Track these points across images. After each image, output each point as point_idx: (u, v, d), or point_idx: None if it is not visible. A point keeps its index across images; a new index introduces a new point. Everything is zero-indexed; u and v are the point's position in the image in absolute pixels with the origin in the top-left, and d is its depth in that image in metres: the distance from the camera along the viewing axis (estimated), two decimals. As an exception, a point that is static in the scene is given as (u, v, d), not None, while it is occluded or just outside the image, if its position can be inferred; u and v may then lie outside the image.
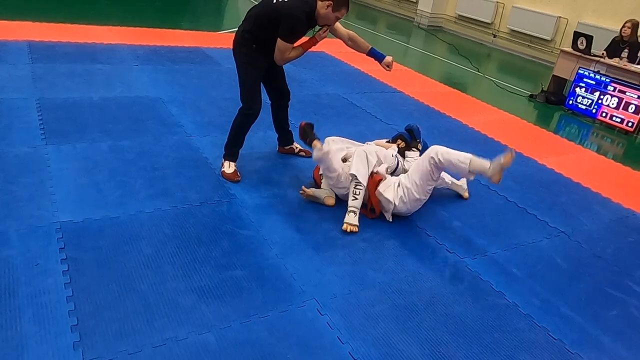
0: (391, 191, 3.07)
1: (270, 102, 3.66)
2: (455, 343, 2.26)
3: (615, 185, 4.32)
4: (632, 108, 5.98)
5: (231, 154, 3.40)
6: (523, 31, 10.04)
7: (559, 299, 2.68)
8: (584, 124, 6.30)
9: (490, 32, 10.90)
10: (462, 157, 2.93)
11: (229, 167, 3.38)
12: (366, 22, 11.42)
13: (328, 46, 7.94)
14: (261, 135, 3.95)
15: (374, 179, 3.08)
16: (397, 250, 2.89)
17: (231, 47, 3.30)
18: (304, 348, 2.09)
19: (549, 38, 9.59)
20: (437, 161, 2.92)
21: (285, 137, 3.85)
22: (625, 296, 2.80)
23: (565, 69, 6.87)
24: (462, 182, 3.61)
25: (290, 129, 3.83)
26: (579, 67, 6.57)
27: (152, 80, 4.99)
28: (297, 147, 3.87)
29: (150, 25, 7.12)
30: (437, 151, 2.95)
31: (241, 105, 3.30)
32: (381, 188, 3.08)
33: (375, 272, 2.65)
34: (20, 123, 3.64)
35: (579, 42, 6.67)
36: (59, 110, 3.95)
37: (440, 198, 3.51)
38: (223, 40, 7.19)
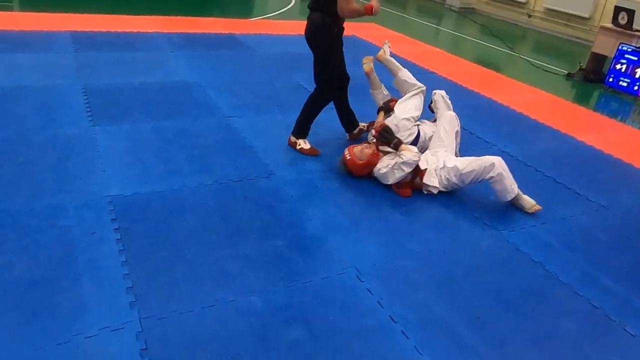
0: (435, 178, 3.14)
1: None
2: (495, 310, 2.28)
3: (659, 162, 4.20)
4: (677, 84, 5.76)
5: (304, 132, 3.59)
6: (560, 9, 9.73)
7: (599, 270, 2.65)
8: (624, 102, 6.10)
9: (525, 12, 10.61)
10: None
11: (305, 144, 3.57)
12: (396, 6, 11.29)
13: (358, 30, 7.95)
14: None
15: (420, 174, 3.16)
16: (434, 223, 2.91)
17: (303, 33, 3.36)
18: (345, 311, 2.16)
19: (587, 15, 9.28)
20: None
21: (351, 120, 3.88)
22: (669, 268, 2.75)
23: (605, 46, 6.65)
24: None
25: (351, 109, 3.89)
26: (620, 43, 6.35)
27: (188, 66, 5.12)
28: (365, 125, 3.94)
29: (184, 14, 7.28)
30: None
31: (321, 87, 3.46)
32: (426, 179, 3.14)
33: (413, 244, 2.69)
34: (69, 107, 3.82)
35: (619, 17, 6.44)
36: (103, 95, 4.12)
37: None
38: (254, 26, 7.29)
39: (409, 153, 3.08)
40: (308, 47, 3.41)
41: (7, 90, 3.96)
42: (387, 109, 3.64)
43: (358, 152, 3.20)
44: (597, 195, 3.46)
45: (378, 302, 2.23)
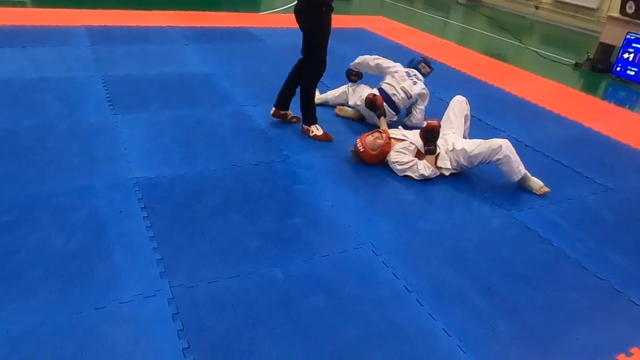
0: (448, 161, 3.25)
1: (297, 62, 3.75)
2: (505, 282, 2.39)
3: (665, 146, 4.27)
4: (684, 72, 5.81)
5: (313, 117, 3.70)
6: (567, 1, 9.76)
7: (606, 247, 2.75)
8: (632, 91, 6.15)
9: (533, 3, 10.64)
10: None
11: (318, 130, 3.68)
12: (403, 0, 11.36)
13: (368, 23, 8.03)
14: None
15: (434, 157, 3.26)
16: (446, 204, 3.02)
17: (293, 14, 3.49)
18: (362, 282, 2.28)
19: (594, 6, 9.30)
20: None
21: (287, 100, 3.83)
22: (674, 245, 2.84)
23: (612, 36, 6.70)
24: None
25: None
26: (627, 32, 6.39)
27: (202, 58, 5.24)
28: (290, 114, 3.90)
29: (195, 9, 7.40)
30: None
31: (313, 65, 3.55)
32: (439, 162, 3.25)
33: (425, 222, 2.81)
34: (91, 97, 3.96)
35: (627, 7, 6.48)
36: (122, 85, 4.26)
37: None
38: (264, 20, 7.41)
39: (428, 169, 3.18)
40: None
41: (32, 82, 4.10)
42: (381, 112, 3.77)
43: (370, 142, 3.29)
44: (604, 178, 3.55)
45: (393, 273, 2.35)
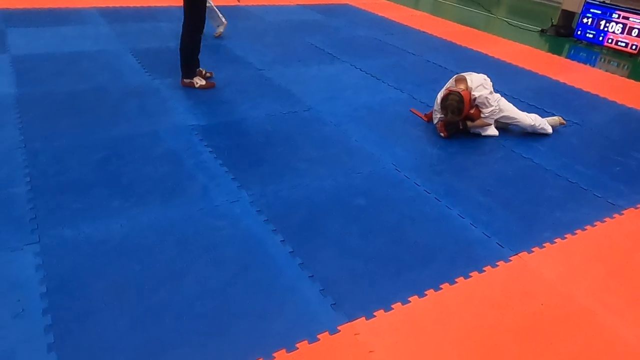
0: (493, 129, 3.73)
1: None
2: (498, 185, 3.08)
3: (619, 92, 5.06)
4: (635, 32, 6.63)
5: (193, 71, 4.08)
6: (531, -26, 10.51)
7: (573, 161, 3.48)
8: (592, 51, 6.96)
9: (499, -22, 11.36)
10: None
11: (201, 80, 4.09)
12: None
13: (353, -3, 8.57)
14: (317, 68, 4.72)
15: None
16: (441, 140, 3.69)
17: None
18: (391, 188, 2.93)
19: (556, -22, 10.08)
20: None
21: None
22: (625, 159, 3.59)
23: (573, 3, 7.48)
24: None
25: None
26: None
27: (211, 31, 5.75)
28: (203, 72, 4.26)
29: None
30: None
31: (194, 29, 3.89)
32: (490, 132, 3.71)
33: (432, 149, 3.48)
34: (127, 65, 4.46)
35: (585, -24, 7.25)
36: (149, 56, 4.75)
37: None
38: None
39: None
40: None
41: (71, 55, 4.57)
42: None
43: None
44: (571, 116, 4.28)
45: (414, 182, 3.01)
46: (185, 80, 4.11)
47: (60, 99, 3.69)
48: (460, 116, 3.54)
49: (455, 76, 3.71)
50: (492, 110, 3.59)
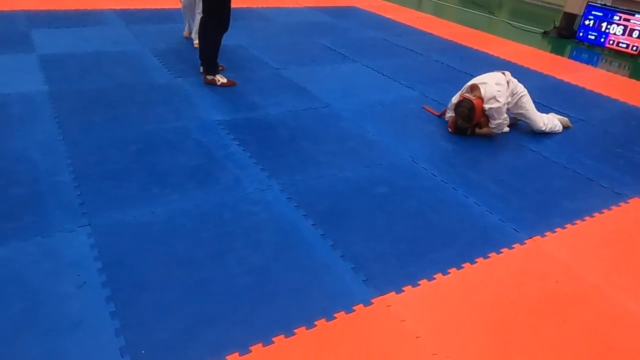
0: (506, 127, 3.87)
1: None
2: (510, 176, 3.26)
3: (621, 91, 5.25)
4: (636, 34, 6.84)
5: (216, 68, 4.21)
6: (533, -23, 10.73)
7: (581, 155, 3.66)
8: (594, 52, 7.16)
9: (501, -19, 11.58)
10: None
11: (222, 78, 4.24)
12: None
13: (358, 1, 8.79)
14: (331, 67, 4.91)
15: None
16: (453, 135, 3.88)
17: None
18: (410, 178, 3.10)
19: (557, -18, 10.30)
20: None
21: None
22: (629, 153, 3.78)
23: (575, 5, 7.68)
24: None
25: None
26: (587, 2, 7.39)
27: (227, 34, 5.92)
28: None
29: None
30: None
31: (219, 27, 4.08)
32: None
33: (446, 142, 3.66)
34: (149, 64, 4.64)
35: (586, -21, 7.46)
36: (169, 56, 4.93)
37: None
38: (265, 1, 8.08)
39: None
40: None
41: (94, 55, 4.75)
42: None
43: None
44: (576, 113, 4.47)
45: (432, 173, 3.19)
46: (208, 77, 4.27)
47: (89, 95, 3.87)
48: (470, 124, 3.69)
49: (470, 82, 3.79)
50: (500, 123, 3.73)
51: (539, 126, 3.89)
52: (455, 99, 3.81)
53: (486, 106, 3.64)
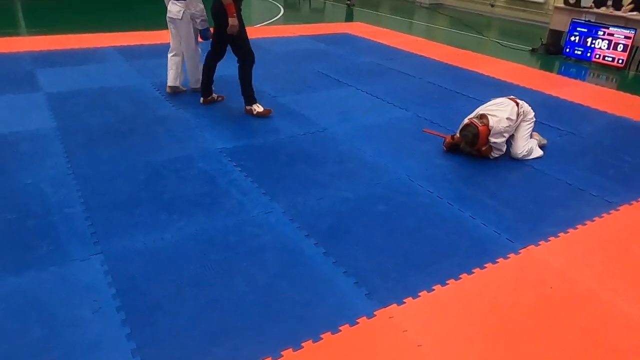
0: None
1: (213, 55, 4.62)
2: (504, 190, 3.38)
3: (609, 103, 5.42)
4: (620, 47, 7.06)
5: (253, 98, 4.51)
6: (518, -2, 11.10)
7: (571, 167, 3.79)
8: (581, 67, 7.38)
9: (488, 2, 11.98)
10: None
11: (259, 107, 4.51)
12: (370, 7, 12.55)
13: (350, 28, 9.08)
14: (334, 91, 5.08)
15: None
16: (447, 155, 4.01)
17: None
18: (408, 196, 3.22)
19: (542, 0, 10.65)
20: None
21: (209, 89, 4.73)
22: (618, 162, 3.91)
23: (560, 22, 7.95)
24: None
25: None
26: (572, 19, 7.64)
27: (226, 64, 6.13)
28: (215, 97, 4.80)
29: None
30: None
31: (246, 57, 4.42)
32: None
33: (441, 160, 3.80)
34: (152, 98, 4.82)
35: (569, -2, 7.74)
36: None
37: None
38: (259, 32, 8.35)
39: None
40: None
41: (99, 90, 4.94)
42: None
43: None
44: (565, 126, 4.63)
45: (428, 190, 3.31)
46: (247, 107, 4.54)
47: (96, 129, 4.03)
48: (473, 148, 3.76)
49: (481, 109, 3.83)
50: (501, 154, 3.84)
51: (518, 152, 3.85)
52: (464, 121, 3.80)
53: (492, 139, 3.71)
